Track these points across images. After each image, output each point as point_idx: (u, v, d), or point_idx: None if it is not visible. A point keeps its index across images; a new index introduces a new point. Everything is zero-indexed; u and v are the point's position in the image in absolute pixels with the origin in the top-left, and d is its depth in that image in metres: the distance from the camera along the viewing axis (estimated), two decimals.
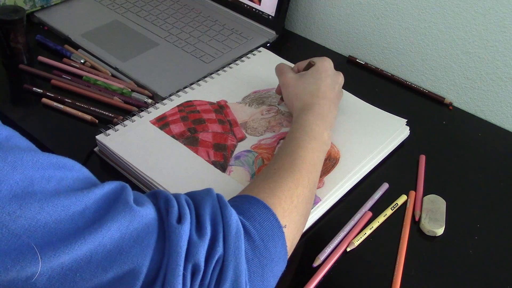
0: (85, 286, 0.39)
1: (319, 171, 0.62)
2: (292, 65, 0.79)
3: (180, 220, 0.44)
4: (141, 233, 0.41)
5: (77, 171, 0.42)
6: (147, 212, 0.42)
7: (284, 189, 0.54)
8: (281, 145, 0.64)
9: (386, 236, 0.65)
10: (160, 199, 0.46)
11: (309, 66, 0.73)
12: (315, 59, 0.73)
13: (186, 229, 0.43)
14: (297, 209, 0.54)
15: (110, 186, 0.42)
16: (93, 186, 0.41)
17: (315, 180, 0.61)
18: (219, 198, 0.48)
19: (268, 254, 0.48)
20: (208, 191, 0.49)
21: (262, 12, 1.00)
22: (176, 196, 0.47)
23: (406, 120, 0.78)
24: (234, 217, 0.46)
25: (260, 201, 0.51)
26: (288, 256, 0.53)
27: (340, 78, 0.73)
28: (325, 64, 0.72)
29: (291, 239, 0.53)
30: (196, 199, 0.48)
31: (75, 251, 0.37)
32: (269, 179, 0.56)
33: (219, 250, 0.44)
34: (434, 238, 0.65)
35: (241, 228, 0.46)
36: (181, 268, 0.41)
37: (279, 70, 0.75)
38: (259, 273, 0.46)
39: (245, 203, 0.51)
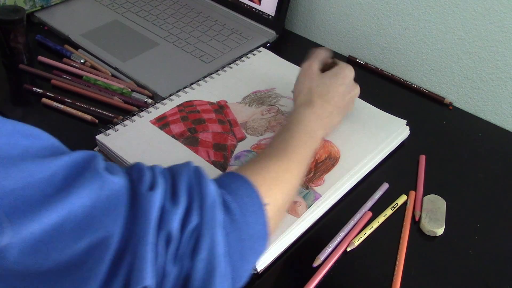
0: (58, 257, 0.38)
1: (307, 166, 0.62)
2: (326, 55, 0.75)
3: (152, 188, 0.43)
4: (113, 201, 0.40)
5: (45, 139, 0.41)
6: (118, 180, 0.41)
7: (271, 171, 0.54)
8: (275, 134, 0.63)
9: (386, 236, 0.65)
10: (134, 169, 0.45)
11: (333, 65, 0.73)
12: (340, 62, 0.73)
13: (157, 196, 0.42)
14: (281, 192, 0.54)
15: (79, 154, 0.41)
16: (61, 154, 0.40)
17: (302, 175, 0.60)
18: (197, 169, 0.48)
19: (247, 229, 0.47)
20: (186, 163, 0.49)
21: (262, 12, 1.00)
22: (152, 167, 0.46)
23: (406, 121, 0.78)
24: (211, 187, 0.46)
25: (244, 177, 0.51)
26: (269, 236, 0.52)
27: (355, 90, 0.73)
28: (346, 72, 0.71)
29: (273, 220, 0.52)
30: (173, 169, 0.47)
31: (45, 219, 0.36)
32: (258, 162, 0.56)
33: (195, 219, 0.43)
34: (434, 238, 0.65)
35: (218, 199, 0.46)
36: (151, 236, 0.40)
37: (312, 55, 0.73)
38: (238, 248, 0.46)
39: (229, 178, 0.51)
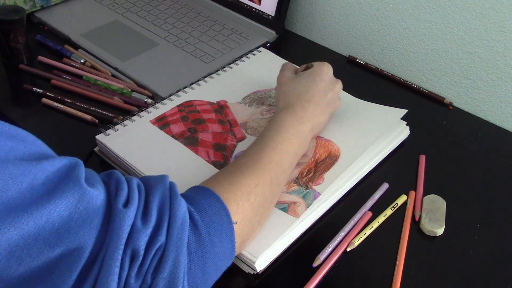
0: (31, 263, 0.38)
1: (288, 172, 0.62)
2: (297, 66, 0.78)
3: (127, 204, 0.44)
4: (89, 214, 0.41)
5: (30, 143, 0.41)
6: (96, 194, 0.42)
7: (242, 185, 0.54)
8: (253, 142, 0.63)
9: (386, 236, 0.65)
10: (112, 180, 0.46)
11: (307, 68, 0.73)
12: (314, 63, 0.73)
13: (130, 214, 0.43)
14: (252, 207, 0.54)
15: (62, 160, 0.41)
16: (44, 159, 0.40)
17: (280, 181, 0.60)
18: (171, 186, 0.48)
19: (212, 248, 0.48)
20: (162, 178, 0.49)
21: (262, 12, 1.00)
22: (129, 179, 0.47)
23: (407, 110, 0.77)
24: (182, 208, 0.46)
25: (214, 194, 0.51)
26: (237, 253, 0.53)
27: (337, 86, 0.72)
28: (323, 69, 0.71)
29: (242, 236, 0.53)
30: (148, 184, 0.48)
31: (23, 226, 0.37)
32: (230, 174, 0.56)
33: (161, 239, 0.44)
34: (434, 238, 0.65)
35: (187, 220, 0.46)
36: (120, 252, 0.41)
37: (281, 67, 0.75)
38: (200, 265, 0.47)
39: (200, 194, 0.51)
